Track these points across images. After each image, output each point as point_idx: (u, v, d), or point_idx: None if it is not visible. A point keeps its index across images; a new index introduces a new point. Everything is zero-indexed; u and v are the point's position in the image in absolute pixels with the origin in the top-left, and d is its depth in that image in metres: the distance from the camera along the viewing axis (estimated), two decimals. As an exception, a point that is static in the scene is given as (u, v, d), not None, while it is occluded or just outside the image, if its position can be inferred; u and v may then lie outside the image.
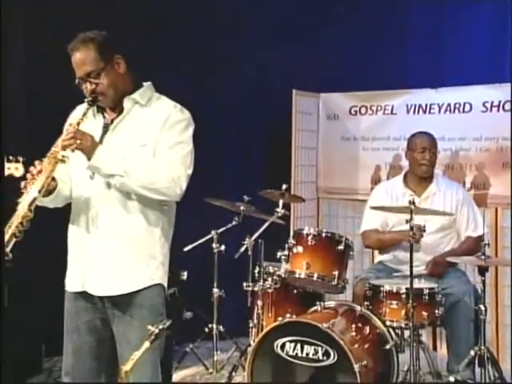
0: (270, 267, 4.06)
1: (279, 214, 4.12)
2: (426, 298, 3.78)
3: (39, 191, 2.40)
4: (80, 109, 2.60)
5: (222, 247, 4.55)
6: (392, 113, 5.38)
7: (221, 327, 4.63)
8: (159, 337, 2.15)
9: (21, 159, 3.23)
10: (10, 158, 3.24)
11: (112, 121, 2.61)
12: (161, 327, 2.13)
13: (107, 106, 2.62)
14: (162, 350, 2.63)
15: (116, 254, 2.56)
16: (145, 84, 2.69)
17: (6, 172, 3.33)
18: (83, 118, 2.50)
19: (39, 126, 4.42)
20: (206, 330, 4.64)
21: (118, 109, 2.61)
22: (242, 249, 4.04)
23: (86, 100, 2.54)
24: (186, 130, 2.60)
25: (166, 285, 2.67)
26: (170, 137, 2.55)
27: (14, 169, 3.28)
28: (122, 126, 2.59)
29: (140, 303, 2.56)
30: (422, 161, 4.29)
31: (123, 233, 2.56)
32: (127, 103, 2.60)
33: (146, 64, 3.86)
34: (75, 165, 2.56)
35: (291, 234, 4.20)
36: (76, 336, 2.65)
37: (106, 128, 2.61)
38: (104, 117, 2.64)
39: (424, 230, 3.88)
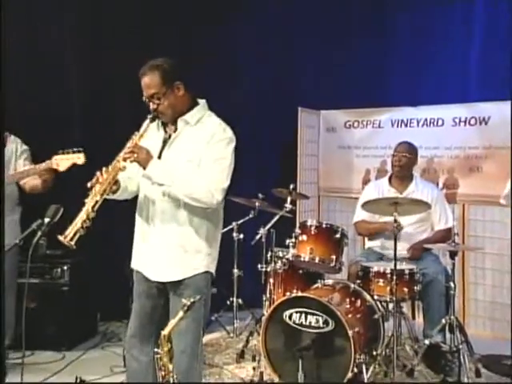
0: (280, 252, 4.01)
1: (287, 209, 4.07)
2: (407, 277, 3.77)
3: (101, 195, 2.42)
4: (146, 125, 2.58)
5: (241, 236, 4.56)
6: (379, 126, 5.37)
7: (240, 300, 4.66)
8: (191, 308, 2.13)
9: (81, 149, 3.17)
10: (74, 149, 3.18)
11: (170, 136, 2.61)
12: (192, 300, 2.14)
13: (167, 122, 2.62)
14: (207, 320, 2.58)
15: (166, 247, 2.57)
16: (200, 102, 2.65)
17: (69, 163, 3.21)
18: (143, 134, 2.51)
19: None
20: (228, 302, 4.67)
21: (175, 125, 2.61)
22: (257, 237, 4.04)
23: (148, 116, 2.54)
24: (227, 147, 2.55)
25: (213, 270, 2.64)
26: (212, 153, 2.52)
27: (76, 158, 3.19)
28: (175, 143, 2.59)
29: (188, 286, 2.56)
30: (394, 162, 4.33)
31: (173, 230, 2.56)
32: (180, 123, 2.59)
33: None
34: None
35: (297, 225, 4.16)
36: (137, 299, 2.69)
37: (164, 143, 2.61)
38: (166, 131, 2.64)
39: (402, 227, 3.87)
